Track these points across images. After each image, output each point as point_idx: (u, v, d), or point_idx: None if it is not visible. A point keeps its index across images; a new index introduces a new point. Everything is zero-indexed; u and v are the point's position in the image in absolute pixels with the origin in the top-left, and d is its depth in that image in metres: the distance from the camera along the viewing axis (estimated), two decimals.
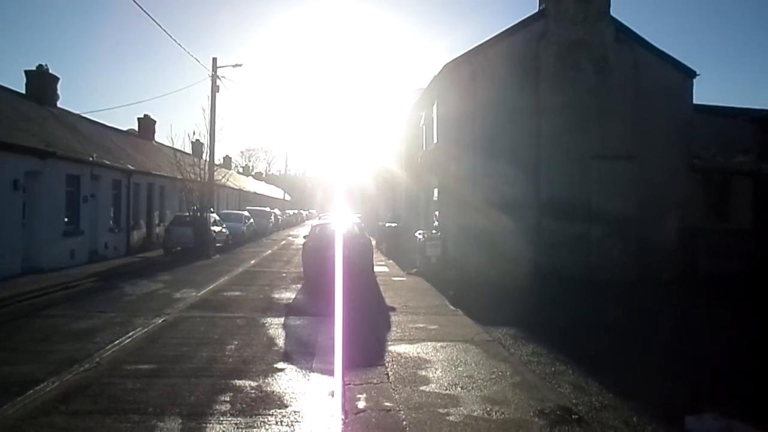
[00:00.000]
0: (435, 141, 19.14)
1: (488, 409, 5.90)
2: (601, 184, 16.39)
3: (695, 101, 17.46)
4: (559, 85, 16.50)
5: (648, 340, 9.45)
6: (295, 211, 66.33)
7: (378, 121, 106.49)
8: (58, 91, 23.64)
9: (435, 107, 19.06)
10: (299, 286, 15.14)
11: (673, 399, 6.47)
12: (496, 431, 5.30)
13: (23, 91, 21.98)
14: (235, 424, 5.45)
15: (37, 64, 22.91)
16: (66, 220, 18.85)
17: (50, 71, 22.96)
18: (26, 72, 22.51)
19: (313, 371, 7.27)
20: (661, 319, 11.35)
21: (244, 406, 5.95)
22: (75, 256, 18.83)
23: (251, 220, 33.96)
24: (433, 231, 18.09)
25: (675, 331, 10.15)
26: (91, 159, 20.08)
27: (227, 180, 33.36)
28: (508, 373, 7.24)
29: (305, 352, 8.20)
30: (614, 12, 16.67)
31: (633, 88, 16.59)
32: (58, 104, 23.56)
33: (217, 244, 25.10)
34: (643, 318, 11.49)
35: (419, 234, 18.38)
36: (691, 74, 17.13)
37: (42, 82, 22.52)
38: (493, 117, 16.33)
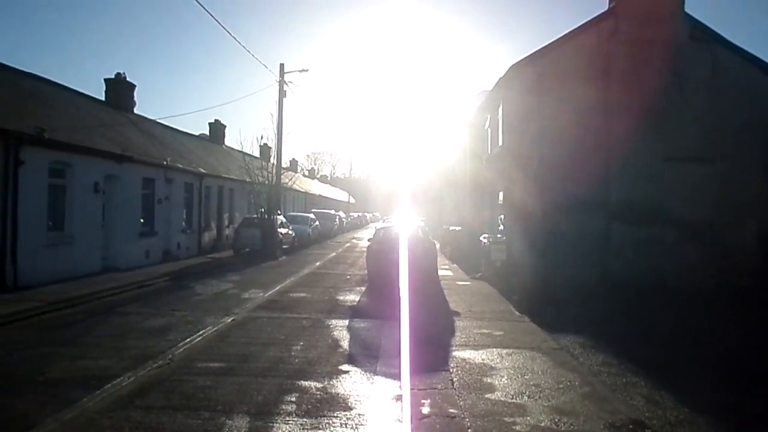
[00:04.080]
0: (500, 143, 18.88)
1: (556, 419, 5.73)
2: (675, 187, 15.70)
3: None
4: (630, 85, 15.90)
5: (727, 352, 8.96)
6: (359, 214, 66.91)
7: (442, 123, 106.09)
8: (135, 98, 24.76)
9: (500, 109, 18.80)
10: (363, 288, 15.23)
11: (755, 418, 6.10)
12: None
13: (103, 98, 23.13)
14: (301, 424, 5.51)
15: (115, 72, 24.10)
16: (142, 221, 19.68)
17: (127, 79, 24.06)
18: (105, 80, 23.69)
19: (377, 374, 7.28)
20: (741, 330, 10.74)
21: (309, 407, 6.02)
22: (149, 256, 19.61)
23: (316, 223, 34.46)
24: (498, 235, 17.83)
25: (756, 343, 9.59)
26: (165, 163, 20.88)
27: (294, 183, 34.01)
28: (576, 383, 7.02)
29: (369, 355, 8.23)
30: (693, 10, 15.98)
31: (710, 88, 15.83)
32: (135, 110, 24.65)
33: (284, 246, 25.60)
34: (721, 328, 10.89)
35: (484, 238, 18.16)
36: None
37: (120, 90, 23.64)
38: (560, 119, 15.92)
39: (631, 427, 5.58)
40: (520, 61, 16.47)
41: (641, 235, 15.56)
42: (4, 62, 17.43)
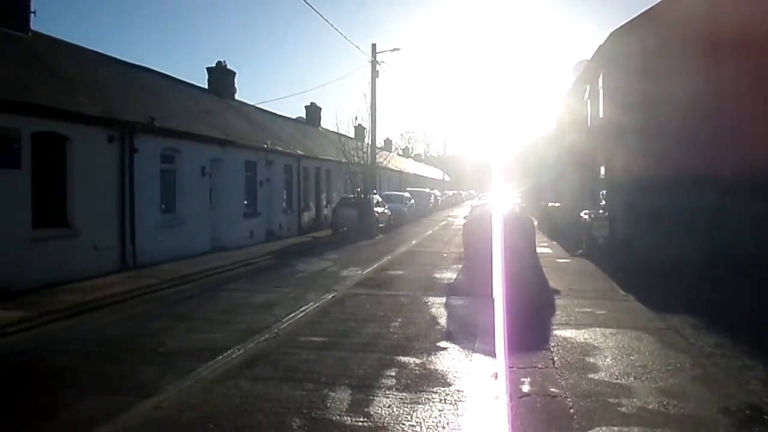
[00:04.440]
0: (601, 115, 18.09)
1: (665, 402, 5.49)
2: None
3: None
4: (746, 47, 14.64)
5: None
6: (454, 192, 66.46)
7: (537, 97, 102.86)
8: (235, 85, 25.79)
9: (600, 79, 17.98)
10: (460, 266, 15.19)
11: None
12: (674, 427, 4.93)
13: (205, 86, 24.29)
14: (401, 398, 5.62)
15: (216, 61, 25.20)
16: (245, 202, 20.58)
17: (227, 67, 25.08)
18: (207, 69, 24.84)
19: (476, 351, 7.27)
20: None
21: (408, 381, 6.12)
22: (254, 236, 20.51)
23: (412, 201, 34.59)
24: (600, 211, 17.16)
25: None
26: (265, 146, 21.66)
27: (388, 162, 34.27)
28: (687, 365, 6.68)
29: (467, 332, 8.22)
30: None
31: None
32: (235, 97, 25.68)
33: (380, 225, 25.94)
34: None
35: (584, 214, 17.54)
36: None
37: (221, 78, 24.72)
38: (665, 86, 14.94)
39: (747, 412, 5.25)
40: (621, 27, 15.63)
41: (759, 209, 14.40)
42: (114, 56, 18.71)
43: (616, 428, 4.87)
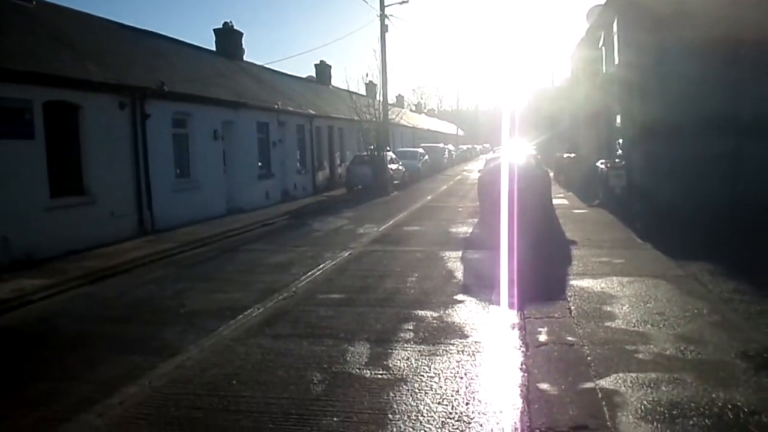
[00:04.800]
0: (616, 62, 17.66)
1: (682, 348, 5.50)
2: None
3: None
4: None
5: None
6: (469, 146, 65.95)
7: (550, 46, 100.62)
8: (243, 46, 25.50)
9: (615, 25, 17.49)
10: (476, 220, 15.17)
11: None
12: (691, 372, 4.94)
13: (213, 48, 24.05)
14: (419, 351, 5.70)
15: (223, 22, 24.89)
16: (259, 164, 20.61)
17: (234, 27, 24.76)
18: (215, 30, 24.55)
19: (492, 303, 7.31)
20: None
21: (426, 334, 6.20)
22: (269, 197, 20.60)
23: (426, 157, 34.40)
24: (617, 160, 16.94)
25: None
26: (276, 107, 21.54)
27: (401, 118, 34.00)
28: (705, 311, 6.67)
29: (484, 285, 8.26)
30: None
31: None
32: (244, 58, 25.43)
33: (395, 182, 25.89)
34: None
35: (601, 164, 17.32)
36: None
37: (229, 39, 24.44)
38: (683, 29, 14.46)
39: (766, 356, 5.25)
40: None
41: None
42: (121, 21, 18.54)
43: (633, 374, 4.91)
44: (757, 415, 4.13)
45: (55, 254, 10.86)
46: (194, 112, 16.28)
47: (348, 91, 27.63)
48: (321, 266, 9.90)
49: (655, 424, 4.05)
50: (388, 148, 26.42)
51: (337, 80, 37.14)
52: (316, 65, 35.88)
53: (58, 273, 9.61)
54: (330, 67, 36.16)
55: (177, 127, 15.75)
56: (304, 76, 34.65)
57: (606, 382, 4.77)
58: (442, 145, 44.94)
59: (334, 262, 10.22)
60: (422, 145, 40.45)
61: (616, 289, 7.72)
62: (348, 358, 5.58)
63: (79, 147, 12.28)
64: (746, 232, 11.56)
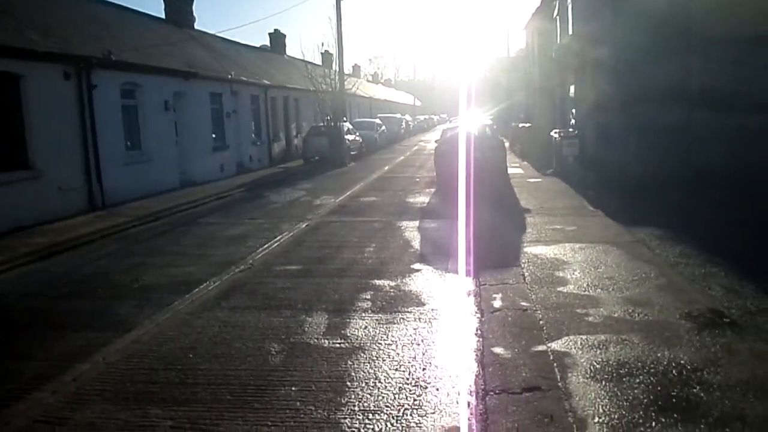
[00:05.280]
0: (570, 32, 17.85)
1: (630, 310, 5.71)
2: (762, 70, 14.42)
3: None
4: None
5: None
6: (426, 117, 65.95)
7: (506, 17, 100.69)
8: (194, 13, 24.70)
9: None
10: (432, 190, 15.28)
11: None
12: (638, 333, 5.14)
13: (162, 16, 23.22)
14: (377, 319, 5.76)
15: None
16: (213, 136, 20.19)
17: None
18: None
19: (449, 272, 7.42)
20: None
21: (384, 303, 6.26)
22: (224, 169, 20.26)
23: (383, 128, 34.29)
24: (570, 130, 17.24)
25: None
26: (229, 77, 21.06)
27: (357, 89, 33.70)
28: (652, 274, 6.92)
29: (440, 254, 8.36)
30: None
31: None
32: (195, 26, 24.66)
33: (352, 152, 25.76)
34: None
35: (555, 133, 17.61)
36: None
37: (178, 6, 23.56)
38: (636, 2, 14.71)
39: (708, 316, 5.49)
40: None
41: (723, 124, 14.54)
42: None
43: (583, 336, 5.07)
44: (699, 372, 4.34)
45: (3, 231, 10.51)
46: (144, 82, 15.78)
47: (303, 60, 27.28)
48: (278, 238, 9.84)
49: (603, 383, 4.21)
50: (344, 119, 26.20)
51: (292, 50, 36.56)
52: (270, 34, 35.15)
53: (5, 250, 9.29)
54: (284, 36, 35.48)
55: (126, 98, 15.26)
56: (258, 45, 33.91)
57: (557, 345, 4.93)
58: (399, 115, 44.85)
59: (291, 234, 10.17)
60: (379, 115, 40.29)
61: (568, 256, 7.92)
62: (306, 329, 5.61)
63: (22, 119, 11.77)
64: (694, 199, 11.99)
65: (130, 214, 12.48)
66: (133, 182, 14.76)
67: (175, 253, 9.21)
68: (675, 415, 3.73)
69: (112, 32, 17.00)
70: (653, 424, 3.63)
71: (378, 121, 34.79)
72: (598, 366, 4.48)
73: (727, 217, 10.23)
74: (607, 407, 3.87)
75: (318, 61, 31.04)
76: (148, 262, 8.61)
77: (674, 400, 3.94)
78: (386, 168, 22.18)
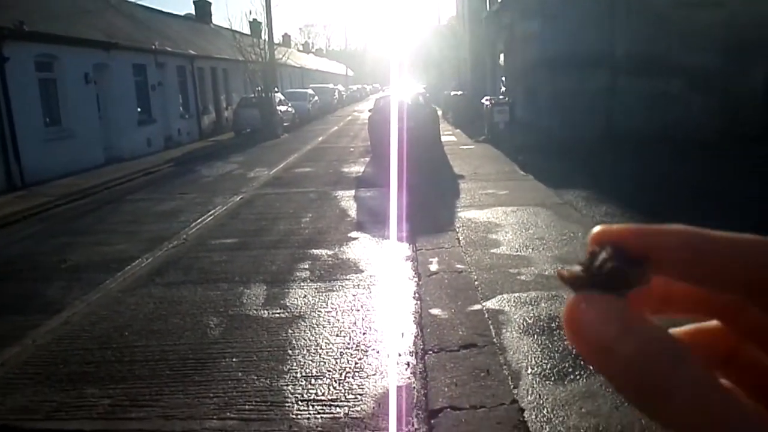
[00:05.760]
0: (499, 1, 18.05)
1: (559, 268, 5.93)
2: (683, 35, 15.09)
3: None
4: None
5: (716, 194, 9.05)
6: (359, 87, 65.58)
7: None
8: None
9: None
10: (367, 159, 15.29)
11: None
12: (568, 289, 5.37)
13: None
14: (316, 288, 5.79)
15: None
16: (139, 109, 19.42)
17: None
18: None
19: (386, 239, 7.50)
20: (735, 177, 10.80)
21: (322, 272, 6.29)
22: (152, 144, 19.57)
23: (316, 98, 33.89)
24: (501, 97, 17.54)
25: (745, 187, 9.68)
26: (153, 47, 20.22)
27: (288, 58, 33.08)
28: (579, 234, 7.21)
29: (377, 222, 8.43)
30: None
31: None
32: None
33: (285, 124, 25.38)
34: (718, 175, 10.96)
35: (486, 101, 17.88)
36: None
37: None
38: None
39: None
40: None
41: (646, 89, 15.20)
42: None
43: (516, 294, 5.27)
44: None
45: None
46: (61, 54, 14.95)
47: (231, 30, 26.48)
48: (212, 212, 9.65)
49: (535, 337, 4.41)
50: (276, 90, 25.71)
51: (218, 18, 35.36)
52: (195, 2, 33.83)
53: None
54: (210, 3, 34.23)
55: (42, 72, 14.44)
56: (182, 14, 32.65)
57: (492, 304, 5.10)
58: (331, 85, 44.38)
59: (225, 208, 10.00)
60: (311, 86, 39.74)
61: (501, 219, 8.15)
62: (244, 301, 5.57)
63: None
64: (618, 161, 12.49)
65: (54, 193, 11.93)
66: (55, 159, 14.08)
67: (104, 231, 8.90)
68: None
69: (25, 1, 15.97)
70: (582, 372, 3.84)
71: (310, 91, 34.33)
72: (530, 321, 4.68)
73: (648, 176, 10.74)
74: (539, 359, 4.06)
75: (246, 30, 30.16)
76: (75, 241, 8.29)
77: None
78: (320, 139, 22.00)
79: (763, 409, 0.29)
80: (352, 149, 17.90)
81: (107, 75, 17.33)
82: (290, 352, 4.45)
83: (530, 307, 4.96)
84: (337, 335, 4.71)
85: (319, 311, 5.21)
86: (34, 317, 5.38)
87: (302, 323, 4.98)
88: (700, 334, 0.33)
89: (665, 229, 0.29)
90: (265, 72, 24.92)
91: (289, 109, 26.81)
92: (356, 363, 4.22)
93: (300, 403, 3.74)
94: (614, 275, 0.29)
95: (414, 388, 3.86)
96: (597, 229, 0.31)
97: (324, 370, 4.13)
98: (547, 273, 5.82)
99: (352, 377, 4.02)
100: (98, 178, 13.80)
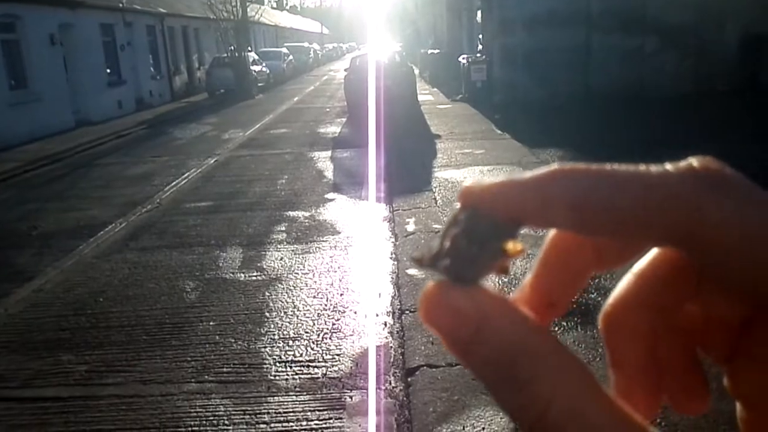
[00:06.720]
0: None
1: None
2: None
3: None
4: None
5: (693, 148, 9.12)
6: (335, 45, 64.55)
7: None
8: None
9: None
10: (344, 119, 15.13)
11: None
12: (541, 245, 5.42)
13: None
14: (292, 250, 5.77)
15: None
16: (108, 71, 18.89)
17: None
18: None
19: (363, 199, 7.48)
20: (705, 131, 10.89)
21: (299, 234, 6.26)
22: (123, 106, 19.12)
23: (290, 57, 33.29)
24: (478, 55, 17.36)
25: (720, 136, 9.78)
26: (121, 5, 19.58)
27: (261, 16, 32.29)
28: None
29: (354, 182, 8.38)
30: None
31: None
32: None
33: (259, 84, 24.94)
34: (693, 129, 11.04)
35: (463, 59, 17.69)
36: None
37: None
38: None
39: None
40: None
41: (621, 46, 15.14)
42: None
43: None
44: None
45: None
46: (23, 13, 14.39)
47: None
48: (186, 175, 9.50)
49: (511, 293, 4.44)
50: (249, 49, 25.19)
51: None
52: None
53: None
54: None
55: (5, 32, 13.93)
56: None
57: None
58: (306, 44, 43.64)
59: (199, 170, 9.85)
60: (286, 45, 39.00)
61: (477, 178, 8.13)
62: (221, 264, 5.54)
63: None
64: (593, 119, 12.51)
65: (21, 158, 11.64)
66: (21, 124, 13.70)
67: (75, 196, 8.73)
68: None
69: None
70: (555, 324, 3.90)
71: (285, 50, 33.68)
72: (505, 279, 4.72)
73: (623, 133, 10.77)
74: None
75: None
76: (45, 207, 8.13)
77: None
78: (296, 99, 21.68)
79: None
80: (328, 110, 17.68)
81: (74, 35, 16.76)
82: (267, 314, 4.45)
83: None
84: (314, 297, 4.71)
85: (296, 273, 5.20)
86: (5, 286, 5.30)
87: (279, 285, 4.97)
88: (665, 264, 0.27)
89: (541, 182, 0.23)
90: (238, 30, 24.35)
91: (264, 69, 26.31)
92: (334, 324, 4.24)
93: (278, 364, 3.75)
94: (467, 257, 0.23)
95: (391, 347, 3.90)
96: (464, 186, 0.25)
97: (302, 332, 4.14)
98: (523, 232, 5.84)
99: (330, 338, 4.04)
100: (68, 142, 13.47)
